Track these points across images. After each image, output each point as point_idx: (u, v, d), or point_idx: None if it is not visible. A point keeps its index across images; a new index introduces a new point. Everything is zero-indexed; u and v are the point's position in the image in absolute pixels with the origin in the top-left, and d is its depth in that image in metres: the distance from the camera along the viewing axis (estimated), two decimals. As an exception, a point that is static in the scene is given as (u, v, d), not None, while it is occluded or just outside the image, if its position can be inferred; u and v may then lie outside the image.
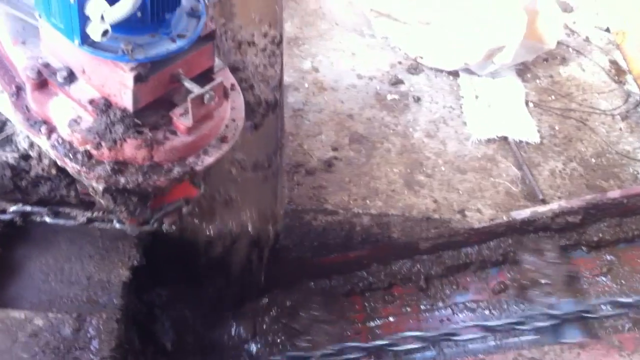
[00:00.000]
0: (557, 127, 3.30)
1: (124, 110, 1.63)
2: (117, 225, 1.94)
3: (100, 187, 1.70)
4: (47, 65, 1.70)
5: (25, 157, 1.87)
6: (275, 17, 2.71)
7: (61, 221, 1.95)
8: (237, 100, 2.08)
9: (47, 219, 1.94)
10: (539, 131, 3.25)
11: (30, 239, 2.03)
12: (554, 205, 2.67)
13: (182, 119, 1.71)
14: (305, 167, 2.74)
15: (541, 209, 2.67)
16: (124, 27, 1.50)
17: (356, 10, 3.58)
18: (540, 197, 2.89)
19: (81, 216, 1.96)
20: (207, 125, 1.79)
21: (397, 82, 3.29)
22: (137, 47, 1.57)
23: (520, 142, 3.17)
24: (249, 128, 2.22)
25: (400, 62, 3.41)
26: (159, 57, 1.61)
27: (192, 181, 1.88)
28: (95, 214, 1.96)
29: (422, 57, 3.42)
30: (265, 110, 2.26)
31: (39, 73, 1.67)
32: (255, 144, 2.47)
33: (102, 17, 1.42)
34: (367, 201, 2.69)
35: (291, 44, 3.31)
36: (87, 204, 1.95)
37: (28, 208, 1.94)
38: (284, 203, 2.56)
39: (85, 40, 1.47)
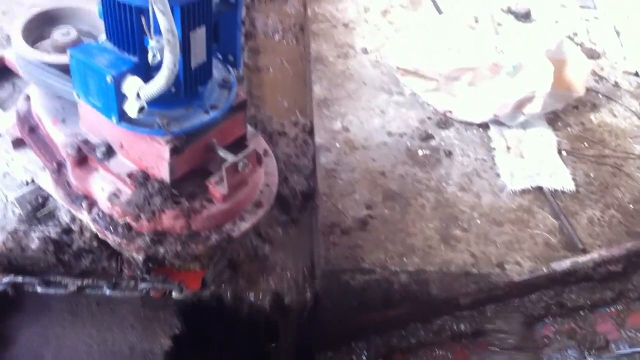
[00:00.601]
0: (592, 174, 3.27)
1: (161, 182, 1.67)
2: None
3: (141, 257, 1.73)
4: (86, 142, 1.75)
5: (68, 231, 1.91)
6: (304, 102, 2.77)
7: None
8: (271, 164, 2.11)
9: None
10: (574, 179, 3.22)
11: (68, 311, 2.05)
12: (595, 255, 2.63)
13: (217, 187, 1.74)
14: (340, 226, 2.75)
15: (582, 258, 2.64)
16: (159, 102, 1.55)
17: (383, 69, 3.64)
18: (580, 246, 2.85)
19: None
20: (242, 191, 1.82)
21: (428, 137, 3.31)
22: (172, 120, 1.62)
23: (556, 191, 3.14)
24: (287, 223, 2.24)
25: (429, 118, 3.44)
26: (194, 129, 1.65)
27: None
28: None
29: (451, 112, 3.45)
30: (302, 203, 2.29)
31: (79, 150, 1.73)
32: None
33: (138, 95, 1.47)
34: (404, 258, 2.68)
35: (321, 105, 3.36)
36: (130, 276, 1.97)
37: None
38: (320, 264, 2.56)
39: (122, 117, 1.52)
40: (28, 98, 1.97)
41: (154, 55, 1.49)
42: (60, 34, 1.87)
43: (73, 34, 1.87)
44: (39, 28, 1.96)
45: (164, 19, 1.36)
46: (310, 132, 2.54)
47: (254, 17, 3.60)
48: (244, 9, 3.44)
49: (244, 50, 3.13)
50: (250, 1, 3.63)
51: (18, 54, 1.86)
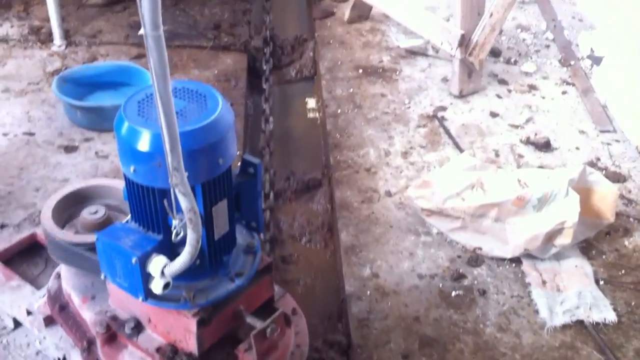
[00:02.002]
0: (633, 303, 3.17)
1: (190, 355, 1.66)
2: None
3: None
4: (115, 318, 1.77)
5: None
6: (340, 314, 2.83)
7: None
8: (300, 323, 2.09)
9: None
10: (615, 309, 3.12)
11: None
12: (647, 392, 2.50)
13: (246, 355, 1.73)
14: (379, 379, 2.67)
15: (634, 396, 2.50)
16: (184, 274, 1.57)
17: (408, 211, 3.67)
18: (631, 382, 2.72)
19: None
20: (272, 356, 1.79)
21: (459, 276, 3.27)
22: (198, 292, 1.63)
23: (598, 324, 3.04)
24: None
25: (459, 256, 3.41)
26: (219, 299, 1.66)
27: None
28: None
29: (480, 248, 3.42)
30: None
31: (108, 327, 1.74)
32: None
33: (163, 272, 1.49)
34: (447, 409, 2.57)
35: (349, 253, 3.37)
36: None
37: None
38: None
39: (148, 294, 1.53)
40: (59, 276, 2.01)
41: (177, 233, 1.53)
42: (89, 213, 1.94)
43: (101, 212, 1.94)
44: (69, 207, 2.05)
45: (185, 199, 1.41)
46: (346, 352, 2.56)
47: (280, 219, 3.71)
48: (267, 212, 3.58)
49: (271, 253, 3.23)
50: (274, 201, 3.76)
51: (46, 234, 1.93)
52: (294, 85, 5.15)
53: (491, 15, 4.47)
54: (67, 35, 4.96)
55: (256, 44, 5.25)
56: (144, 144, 1.57)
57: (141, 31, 1.40)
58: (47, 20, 4.92)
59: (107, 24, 5.23)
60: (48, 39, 4.94)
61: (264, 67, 5.05)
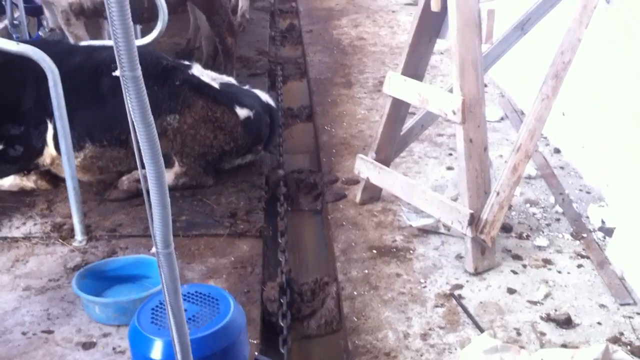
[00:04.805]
0: None
1: None
2: None
3: None
4: None
5: None
6: None
7: None
8: None
9: None
10: None
11: None
12: None
13: None
14: None
15: None
16: None
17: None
18: None
19: None
20: None
21: None
22: None
23: None
24: None
25: None
26: None
27: None
28: None
29: None
30: None
31: None
32: None
33: None
34: None
35: None
36: None
37: None
38: None
39: None
40: None
41: None
42: None
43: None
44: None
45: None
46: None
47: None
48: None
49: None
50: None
51: None
52: (316, 341, 4.62)
53: (498, 193, 4.60)
54: (88, 230, 5.13)
55: (270, 294, 4.59)
56: (156, 353, 1.59)
57: (153, 249, 1.47)
58: (69, 216, 5.10)
59: (127, 217, 5.41)
60: (69, 234, 5.10)
61: (282, 324, 4.44)
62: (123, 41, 1.47)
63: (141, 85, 1.55)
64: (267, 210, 5.79)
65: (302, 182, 6.38)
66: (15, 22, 8.18)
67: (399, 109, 5.39)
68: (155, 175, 1.59)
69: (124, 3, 1.37)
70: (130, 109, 1.57)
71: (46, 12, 7.91)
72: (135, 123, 1.57)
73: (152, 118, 1.58)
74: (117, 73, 1.54)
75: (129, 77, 1.52)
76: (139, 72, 1.53)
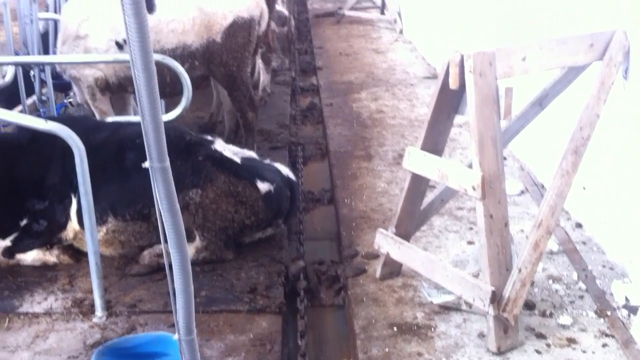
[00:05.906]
0: None
1: None
2: None
3: None
4: None
5: None
6: None
7: None
8: None
9: None
10: None
11: None
12: None
13: None
14: None
15: None
16: None
17: None
18: None
19: None
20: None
21: None
22: None
23: None
24: None
25: None
26: None
27: None
28: None
29: None
30: None
31: None
32: None
33: None
34: None
35: None
36: None
37: None
38: None
39: None
40: None
41: None
42: None
43: None
44: None
45: None
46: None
47: None
48: None
49: None
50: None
51: None
52: None
53: (520, 270, 4.55)
54: (108, 305, 5.13)
55: None
56: None
57: (175, 335, 1.48)
58: (90, 291, 5.12)
59: (147, 292, 5.42)
60: (90, 310, 5.11)
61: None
62: (153, 134, 1.53)
63: (169, 176, 1.59)
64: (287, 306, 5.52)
65: (324, 274, 6.15)
66: (43, 97, 8.43)
67: (419, 183, 5.42)
68: (180, 263, 1.61)
69: (155, 102, 1.43)
70: (158, 199, 1.61)
71: (74, 88, 8.13)
72: (162, 212, 1.61)
73: (179, 209, 1.62)
74: (146, 165, 1.58)
75: (158, 169, 1.56)
76: (168, 163, 1.57)
